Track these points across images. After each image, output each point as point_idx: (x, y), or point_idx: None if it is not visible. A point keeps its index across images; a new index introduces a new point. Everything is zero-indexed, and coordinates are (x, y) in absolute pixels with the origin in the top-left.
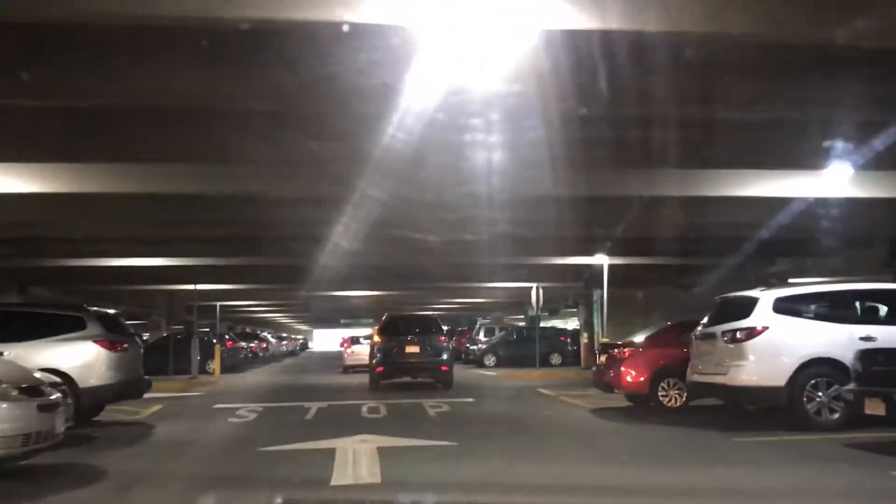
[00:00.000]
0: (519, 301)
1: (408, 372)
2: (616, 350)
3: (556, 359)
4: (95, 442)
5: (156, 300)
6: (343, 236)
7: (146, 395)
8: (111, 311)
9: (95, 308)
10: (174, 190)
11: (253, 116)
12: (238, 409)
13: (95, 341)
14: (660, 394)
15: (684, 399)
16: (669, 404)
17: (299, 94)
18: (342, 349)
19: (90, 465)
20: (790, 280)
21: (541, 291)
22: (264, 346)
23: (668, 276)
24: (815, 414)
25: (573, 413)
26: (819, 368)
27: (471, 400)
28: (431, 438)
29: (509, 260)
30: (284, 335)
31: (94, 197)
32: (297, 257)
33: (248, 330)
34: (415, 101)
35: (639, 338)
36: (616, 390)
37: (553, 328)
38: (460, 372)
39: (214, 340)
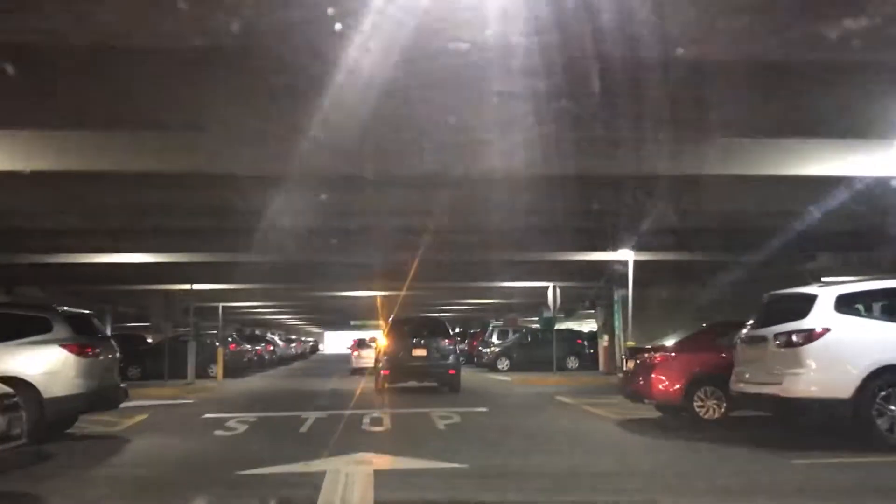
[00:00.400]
0: (533, 302)
1: (414, 376)
2: (646, 355)
3: (572, 362)
4: (50, 461)
5: (151, 301)
6: (350, 231)
7: (134, 403)
8: (83, 312)
9: (65, 308)
10: (143, 167)
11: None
12: (228, 419)
13: (62, 345)
14: (696, 404)
15: (723, 410)
16: (706, 416)
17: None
18: (350, 352)
19: (22, 493)
20: (823, 279)
21: (558, 291)
22: (271, 348)
23: (695, 274)
24: (886, 431)
25: (598, 426)
26: (891, 377)
27: (483, 409)
28: (438, 459)
29: (524, 256)
30: (294, 337)
31: (53, 175)
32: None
33: (255, 332)
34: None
35: (670, 341)
36: (647, 400)
37: (569, 330)
38: (472, 376)
39: (217, 343)
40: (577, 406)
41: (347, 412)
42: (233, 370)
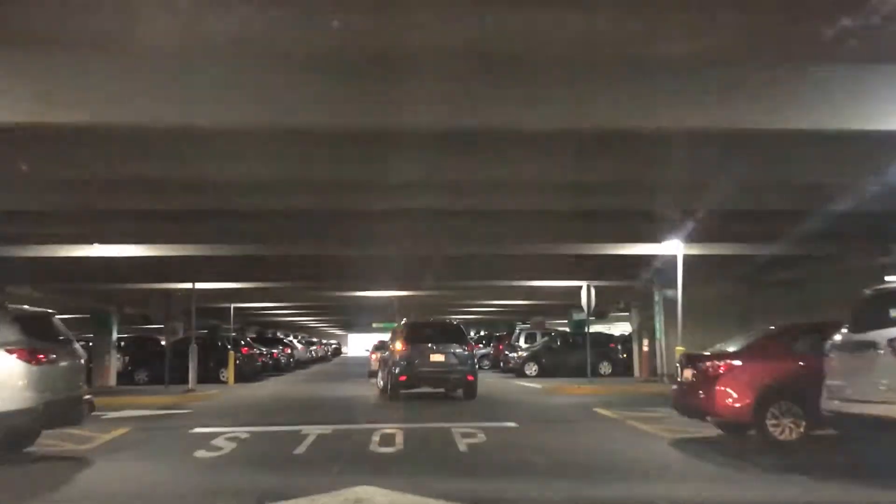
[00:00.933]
0: (561, 303)
1: (431, 382)
2: (707, 363)
3: (605, 368)
4: None
5: (152, 301)
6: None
7: (121, 414)
8: (41, 311)
9: (16, 306)
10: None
11: None
12: (218, 435)
13: (9, 350)
14: (769, 422)
15: (801, 429)
16: (782, 436)
17: None
18: (368, 355)
19: None
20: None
21: (592, 291)
22: (289, 351)
23: (748, 271)
24: None
25: (652, 447)
26: None
27: (512, 425)
28: (460, 496)
29: (553, 249)
30: (315, 340)
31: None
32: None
33: (273, 334)
34: None
35: (729, 346)
36: (710, 417)
37: (602, 334)
38: (498, 383)
39: (228, 346)
40: (620, 421)
41: (355, 426)
42: (246, 374)
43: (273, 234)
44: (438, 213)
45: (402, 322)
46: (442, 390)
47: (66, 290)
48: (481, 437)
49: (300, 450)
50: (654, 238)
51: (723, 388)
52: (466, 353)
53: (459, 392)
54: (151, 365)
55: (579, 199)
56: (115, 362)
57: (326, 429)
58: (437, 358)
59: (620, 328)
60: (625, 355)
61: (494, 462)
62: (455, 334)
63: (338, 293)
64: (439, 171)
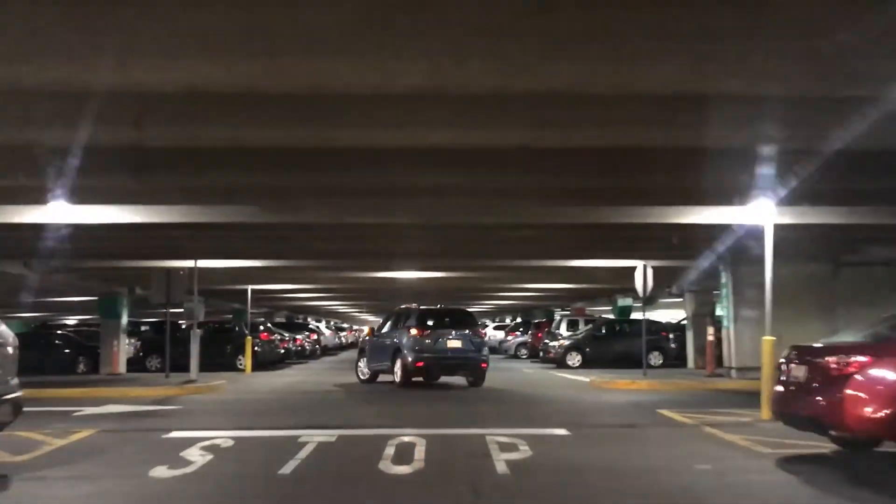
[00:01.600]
0: (605, 286)
1: (449, 369)
2: (831, 360)
3: (655, 359)
4: None
5: (153, 280)
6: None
7: (101, 410)
8: None
9: None
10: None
11: None
12: (197, 441)
13: None
14: None
15: None
16: None
17: None
18: None
19: None
20: None
21: (650, 271)
22: (315, 337)
23: (832, 247)
24: None
25: (754, 469)
26: None
27: (563, 433)
28: None
29: (597, 215)
30: (345, 325)
31: None
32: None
33: (305, 320)
34: None
35: (852, 337)
36: (835, 430)
37: (652, 321)
38: (538, 375)
39: (245, 332)
40: (697, 428)
41: (366, 432)
42: (266, 362)
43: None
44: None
45: (401, 307)
46: (460, 378)
47: (62, 267)
48: (525, 451)
49: (288, 468)
50: (733, 199)
51: (855, 393)
52: (480, 339)
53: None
54: (162, 351)
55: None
56: (124, 348)
57: (330, 435)
58: (454, 344)
59: (663, 316)
60: (675, 346)
61: (547, 491)
62: (468, 320)
63: (366, 274)
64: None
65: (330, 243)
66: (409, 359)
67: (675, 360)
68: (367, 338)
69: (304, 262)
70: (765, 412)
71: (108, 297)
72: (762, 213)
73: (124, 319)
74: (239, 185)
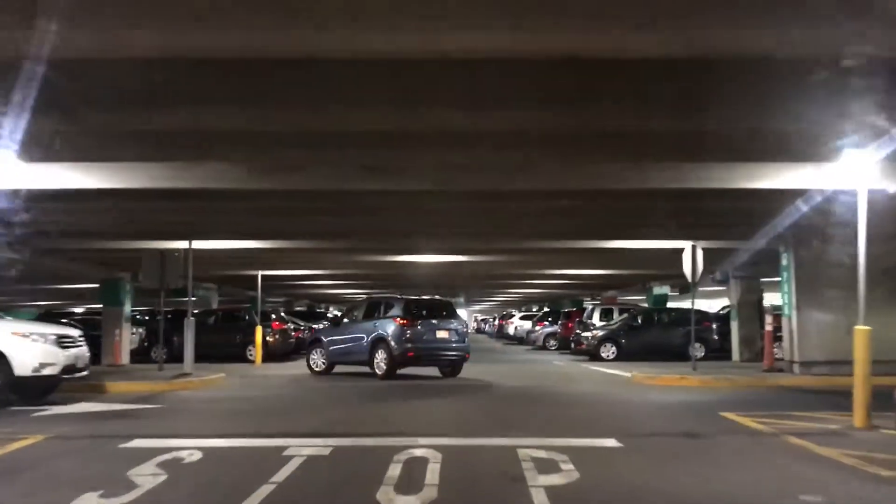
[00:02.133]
0: (639, 272)
1: (436, 360)
2: None
3: (697, 351)
4: None
5: (145, 263)
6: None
7: (72, 408)
8: None
9: None
10: None
11: None
12: (159, 453)
13: None
14: None
15: None
16: None
17: None
18: None
19: None
20: None
21: (700, 252)
22: None
23: None
24: None
25: (882, 497)
26: None
27: (613, 444)
28: None
29: (641, 178)
30: None
31: None
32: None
33: (327, 309)
34: None
35: None
36: None
37: (690, 310)
38: (572, 370)
39: (257, 320)
40: (777, 439)
41: (368, 442)
42: (277, 352)
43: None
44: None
45: (375, 297)
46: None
47: (45, 249)
48: (568, 471)
49: (254, 500)
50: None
51: None
52: (464, 330)
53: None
54: (170, 339)
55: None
56: (128, 338)
57: (324, 446)
58: (442, 335)
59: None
60: (717, 337)
61: None
62: (451, 311)
63: (383, 257)
64: None
65: (338, 218)
66: (399, 349)
67: (718, 351)
68: (320, 328)
69: (312, 243)
70: (858, 418)
71: (109, 283)
72: (855, 173)
73: (127, 307)
74: (218, 131)
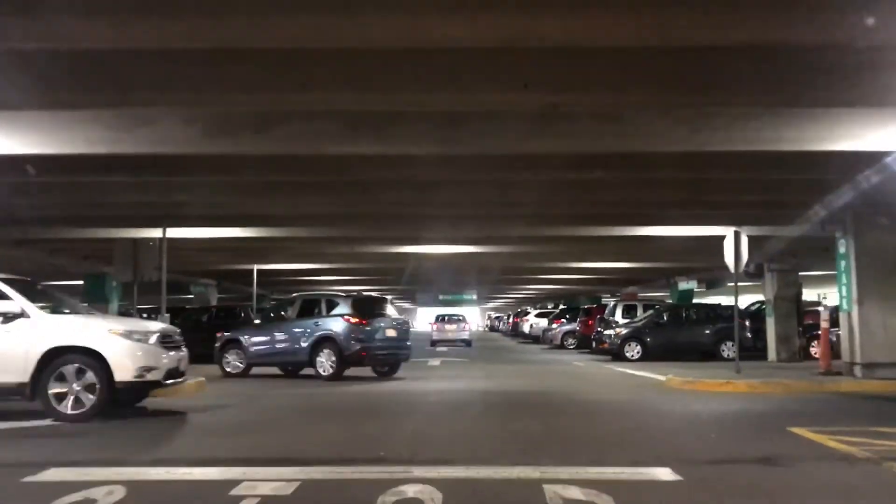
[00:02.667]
0: (664, 265)
1: (383, 359)
2: None
3: (729, 350)
4: None
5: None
6: None
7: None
8: None
9: None
10: None
11: None
12: (71, 491)
13: None
14: None
15: None
16: None
17: None
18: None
19: None
20: None
21: (744, 240)
22: None
23: None
24: None
25: None
26: None
27: (668, 476)
28: None
29: (668, 137)
30: None
31: None
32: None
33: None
34: None
35: None
36: None
37: (721, 306)
38: (596, 372)
39: (253, 318)
40: (877, 465)
41: (346, 472)
42: None
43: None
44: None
45: (311, 294)
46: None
47: (24, 241)
48: None
49: None
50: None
51: None
52: (408, 328)
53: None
54: None
55: None
56: None
57: (289, 480)
58: (391, 333)
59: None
60: (748, 335)
61: None
62: (390, 308)
63: (387, 249)
64: None
65: (329, 197)
66: (351, 349)
67: (751, 350)
68: (236, 329)
69: (306, 231)
70: None
71: (92, 278)
72: None
73: (114, 304)
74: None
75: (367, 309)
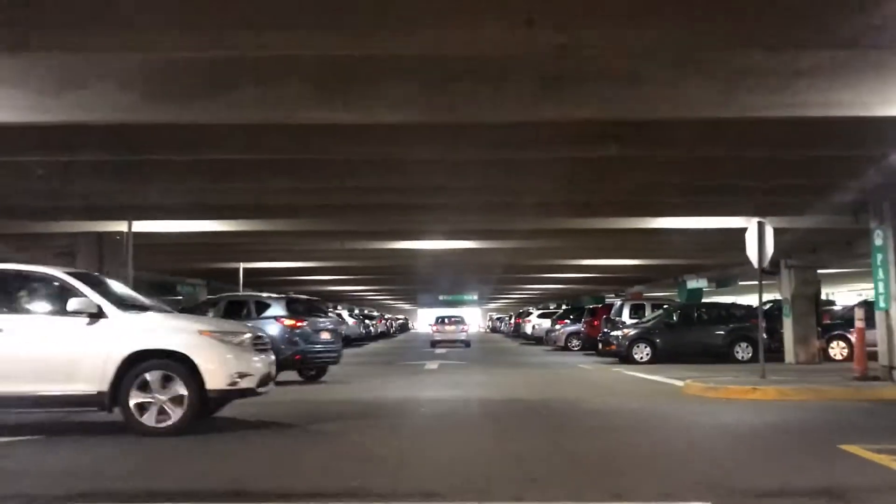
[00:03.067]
0: (672, 262)
1: (318, 363)
2: None
3: (742, 352)
4: None
5: (80, 248)
6: None
7: None
8: None
9: None
10: None
11: None
12: None
13: None
14: None
15: None
16: None
17: None
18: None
19: None
20: None
21: (769, 231)
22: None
23: None
24: None
25: None
26: None
27: None
28: None
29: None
30: (375, 314)
31: None
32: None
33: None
34: None
35: None
36: None
37: (734, 305)
38: (602, 376)
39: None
40: None
41: None
42: None
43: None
44: None
45: (234, 295)
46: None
47: None
48: None
49: None
50: None
51: None
52: (340, 331)
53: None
54: None
55: None
56: None
57: None
58: (326, 336)
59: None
60: (766, 336)
61: None
62: (324, 310)
63: (384, 244)
64: None
65: (305, 182)
66: (285, 353)
67: (768, 352)
68: None
69: (287, 224)
70: None
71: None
72: None
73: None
74: None
75: (301, 311)
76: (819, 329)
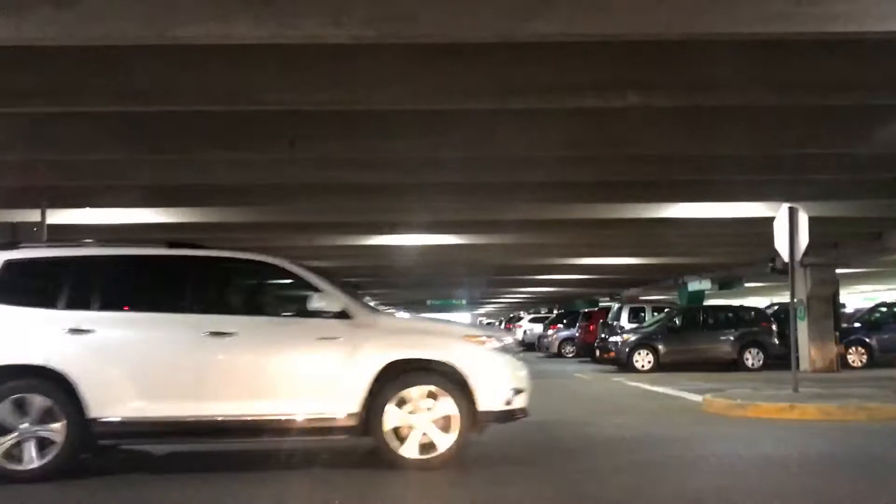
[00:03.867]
0: (672, 262)
1: None
2: None
3: (753, 358)
4: None
5: None
6: None
7: None
8: None
9: None
10: None
11: None
12: None
13: None
14: None
15: None
16: None
17: None
18: None
19: None
20: None
21: (803, 219)
22: None
23: None
24: None
25: None
26: None
27: None
28: None
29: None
30: None
31: None
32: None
33: None
34: None
35: None
36: None
37: (743, 308)
38: (604, 387)
39: None
40: None
41: None
42: None
43: None
44: None
45: None
46: None
47: None
48: None
49: None
50: None
51: None
52: None
53: None
54: None
55: None
56: None
57: None
58: None
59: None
60: (776, 340)
61: None
62: None
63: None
64: None
65: (243, 149)
66: None
67: (781, 358)
68: None
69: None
70: None
71: None
72: None
73: None
74: None
75: None
76: (836, 333)
